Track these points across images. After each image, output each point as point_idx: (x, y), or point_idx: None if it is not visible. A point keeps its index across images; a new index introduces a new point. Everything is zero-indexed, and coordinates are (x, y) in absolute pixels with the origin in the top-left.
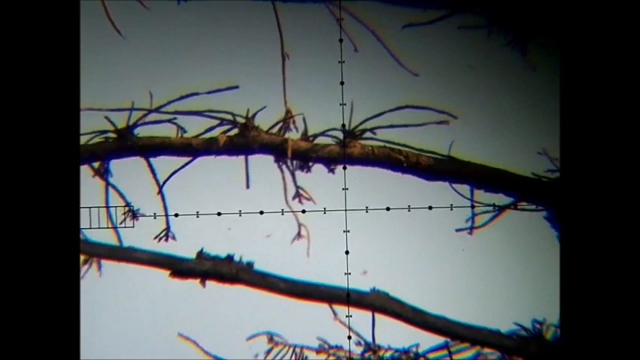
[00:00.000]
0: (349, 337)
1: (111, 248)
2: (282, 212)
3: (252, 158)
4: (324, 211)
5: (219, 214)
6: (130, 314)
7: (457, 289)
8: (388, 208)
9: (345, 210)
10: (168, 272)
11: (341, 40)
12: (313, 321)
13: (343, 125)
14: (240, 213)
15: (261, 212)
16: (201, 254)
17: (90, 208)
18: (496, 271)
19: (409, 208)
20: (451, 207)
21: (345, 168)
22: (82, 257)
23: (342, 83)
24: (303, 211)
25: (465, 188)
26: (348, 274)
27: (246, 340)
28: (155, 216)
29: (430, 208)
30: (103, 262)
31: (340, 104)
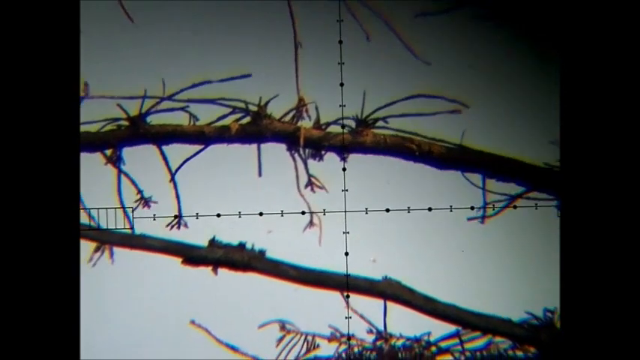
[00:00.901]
0: (349, 338)
1: (123, 236)
2: (282, 214)
3: (265, 146)
4: (324, 212)
5: (218, 215)
6: (141, 302)
7: (466, 279)
8: (388, 210)
9: (345, 211)
10: (180, 260)
11: (341, 42)
12: (325, 309)
13: (342, 125)
14: (239, 214)
15: (261, 213)
16: (213, 242)
17: (90, 209)
18: (507, 259)
19: (409, 210)
20: (450, 208)
21: (344, 169)
22: (94, 244)
23: (341, 85)
24: (303, 213)
25: (476, 177)
26: (347, 275)
27: (257, 328)
28: (155, 217)
29: (430, 209)
30: (115, 249)
31: (340, 105)
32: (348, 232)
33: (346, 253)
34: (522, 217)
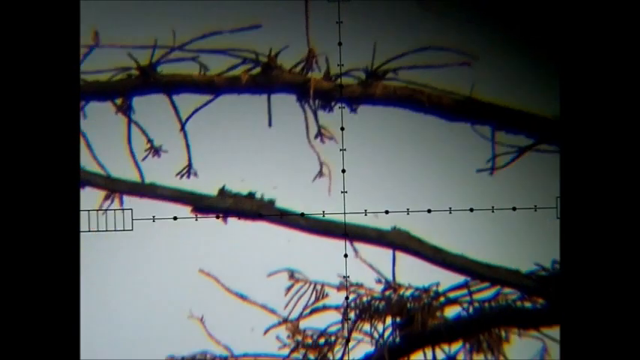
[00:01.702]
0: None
1: (133, 184)
2: (281, 215)
3: (275, 97)
4: (323, 214)
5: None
6: (150, 250)
7: (476, 232)
8: (387, 212)
9: (344, 213)
10: (189, 208)
11: (340, 44)
12: (334, 258)
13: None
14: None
15: (260, 215)
16: (223, 191)
17: (89, 211)
18: (517, 211)
19: (408, 212)
20: (450, 210)
21: (344, 171)
22: (104, 193)
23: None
24: (302, 214)
25: (486, 130)
26: (347, 276)
27: (267, 276)
28: (154, 218)
29: (429, 211)
30: (125, 197)
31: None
32: (347, 234)
33: (345, 255)
34: (534, 168)
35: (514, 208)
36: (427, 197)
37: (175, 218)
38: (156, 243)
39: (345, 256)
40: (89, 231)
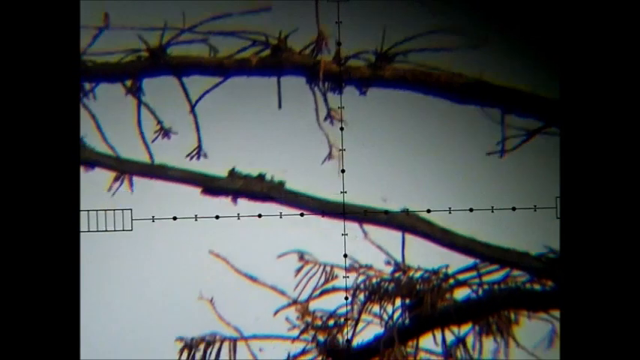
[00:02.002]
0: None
1: (143, 165)
2: (281, 215)
3: (284, 79)
4: (323, 214)
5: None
6: (160, 231)
7: (476, 232)
8: (387, 212)
9: (344, 213)
10: (199, 190)
11: (339, 44)
12: (343, 240)
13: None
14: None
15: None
16: (233, 172)
17: (89, 211)
18: (526, 193)
19: (407, 212)
20: (449, 210)
21: (343, 171)
22: (113, 174)
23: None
24: (302, 214)
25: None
26: (346, 277)
27: (276, 258)
28: (154, 218)
29: (429, 211)
30: (135, 178)
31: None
32: (346, 234)
33: (345, 255)
34: (543, 150)
35: (514, 208)
36: (427, 197)
37: (175, 218)
38: (156, 243)
39: (355, 237)
40: (89, 231)
